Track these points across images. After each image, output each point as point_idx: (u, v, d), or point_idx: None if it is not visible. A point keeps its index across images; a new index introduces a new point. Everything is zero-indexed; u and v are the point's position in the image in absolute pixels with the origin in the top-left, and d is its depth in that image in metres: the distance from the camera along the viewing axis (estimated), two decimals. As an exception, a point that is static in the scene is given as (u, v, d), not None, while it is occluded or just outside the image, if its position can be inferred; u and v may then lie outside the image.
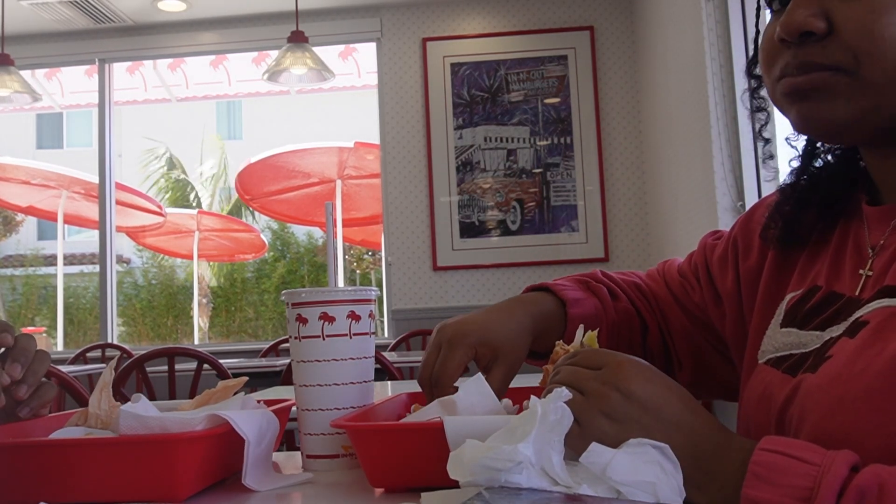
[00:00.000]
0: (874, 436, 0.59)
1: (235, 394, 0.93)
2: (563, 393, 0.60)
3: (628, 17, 4.91)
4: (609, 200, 4.83)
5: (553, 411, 0.57)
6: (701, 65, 3.49)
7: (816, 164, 0.84)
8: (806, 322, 0.75)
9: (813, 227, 0.82)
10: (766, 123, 0.89)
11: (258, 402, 0.93)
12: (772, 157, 0.88)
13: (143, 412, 0.79)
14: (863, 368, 0.62)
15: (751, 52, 0.86)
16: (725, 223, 3.38)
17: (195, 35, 5.18)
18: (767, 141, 0.89)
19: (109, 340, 5.08)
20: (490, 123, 4.88)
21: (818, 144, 0.84)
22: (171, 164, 14.89)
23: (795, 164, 0.85)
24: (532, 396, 0.67)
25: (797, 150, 0.85)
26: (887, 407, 0.59)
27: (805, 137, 0.84)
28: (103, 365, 4.41)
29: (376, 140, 5.18)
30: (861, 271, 0.72)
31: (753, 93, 0.87)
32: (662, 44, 4.25)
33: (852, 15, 0.66)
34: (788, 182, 0.85)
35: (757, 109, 0.88)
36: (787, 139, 0.86)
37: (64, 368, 2.80)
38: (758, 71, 0.84)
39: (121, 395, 2.71)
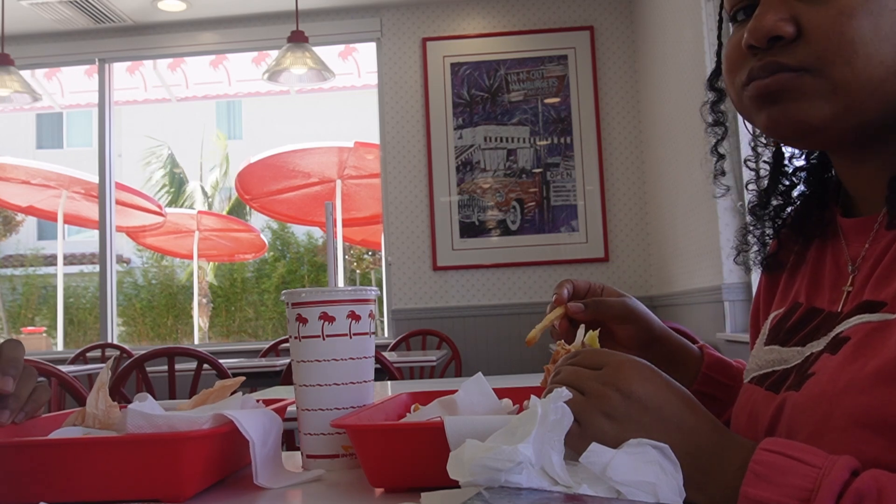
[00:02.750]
0: (863, 452, 0.58)
1: (233, 393, 0.93)
2: (564, 393, 0.60)
3: (628, 17, 4.91)
4: (609, 200, 4.83)
5: (553, 411, 0.57)
6: (701, 65, 3.49)
7: (784, 183, 0.84)
8: (788, 339, 0.75)
9: (790, 249, 0.82)
10: (723, 138, 0.88)
11: (257, 401, 0.93)
12: (724, 173, 0.87)
13: (150, 411, 0.79)
14: (846, 386, 0.61)
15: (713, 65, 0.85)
16: (725, 223, 3.38)
17: (195, 35, 5.18)
18: (721, 157, 0.88)
19: (109, 340, 5.08)
20: (490, 123, 4.87)
21: (785, 162, 0.84)
22: (173, 163, 14.89)
23: (758, 183, 0.85)
24: (532, 396, 0.67)
25: (756, 172, 0.85)
26: (873, 424, 0.59)
27: (771, 155, 0.84)
28: (103, 365, 4.40)
29: (376, 140, 5.18)
30: (843, 287, 0.72)
31: (713, 106, 0.87)
32: (662, 44, 4.25)
33: (821, 19, 0.65)
34: (756, 203, 0.85)
35: (715, 123, 0.88)
36: (745, 161, 0.86)
37: (64, 368, 2.80)
38: (720, 84, 0.83)
39: (121, 395, 2.70)
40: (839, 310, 0.70)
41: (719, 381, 0.94)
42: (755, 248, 0.84)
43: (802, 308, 0.76)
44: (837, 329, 0.67)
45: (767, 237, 0.84)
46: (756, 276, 3.34)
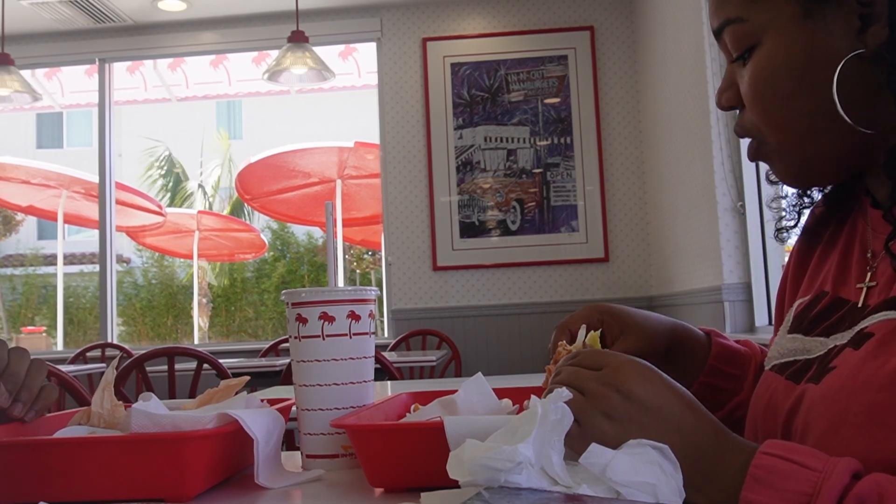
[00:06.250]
0: (877, 451, 0.58)
1: (237, 393, 0.93)
2: (564, 393, 0.60)
3: (628, 17, 4.91)
4: (609, 200, 4.83)
5: (553, 411, 0.57)
6: (701, 65, 3.49)
7: None
8: (811, 328, 0.74)
9: (826, 222, 0.81)
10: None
11: (262, 401, 0.94)
12: (785, 229, 0.87)
13: (154, 410, 0.80)
14: (865, 382, 0.61)
15: None
16: (725, 223, 3.38)
17: (195, 35, 5.18)
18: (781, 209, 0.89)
19: (109, 340, 5.08)
20: (490, 123, 4.87)
21: None
22: (173, 163, 14.90)
23: None
24: (532, 396, 0.67)
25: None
26: (890, 422, 0.58)
27: None
28: (103, 365, 4.41)
29: (376, 140, 5.18)
30: (866, 278, 0.71)
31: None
32: (662, 44, 4.25)
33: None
34: None
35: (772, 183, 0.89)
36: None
37: (64, 368, 2.80)
38: None
39: (121, 395, 2.71)
40: (863, 300, 0.70)
41: (726, 373, 0.93)
42: (795, 218, 0.84)
43: (828, 297, 0.75)
44: (862, 324, 0.67)
45: (807, 205, 0.84)
46: (757, 277, 3.34)
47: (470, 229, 4.82)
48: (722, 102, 0.77)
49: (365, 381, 0.89)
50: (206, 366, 2.91)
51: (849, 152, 0.72)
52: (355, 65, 11.08)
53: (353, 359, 0.87)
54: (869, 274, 0.71)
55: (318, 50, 3.87)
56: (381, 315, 5.84)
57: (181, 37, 5.18)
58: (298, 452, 0.91)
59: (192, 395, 2.93)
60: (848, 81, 0.67)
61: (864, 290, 0.70)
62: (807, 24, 0.68)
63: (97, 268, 5.70)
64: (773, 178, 0.84)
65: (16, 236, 15.34)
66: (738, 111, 0.77)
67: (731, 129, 3.35)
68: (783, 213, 0.85)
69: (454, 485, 0.57)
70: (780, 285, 0.89)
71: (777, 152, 0.74)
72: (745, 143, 0.88)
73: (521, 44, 4.91)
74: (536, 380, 0.89)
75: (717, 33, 0.76)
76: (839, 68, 0.67)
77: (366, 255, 13.76)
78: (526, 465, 0.54)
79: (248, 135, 16.76)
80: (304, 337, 0.86)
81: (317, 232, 13.34)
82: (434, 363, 3.51)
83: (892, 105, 0.65)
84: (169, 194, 14.64)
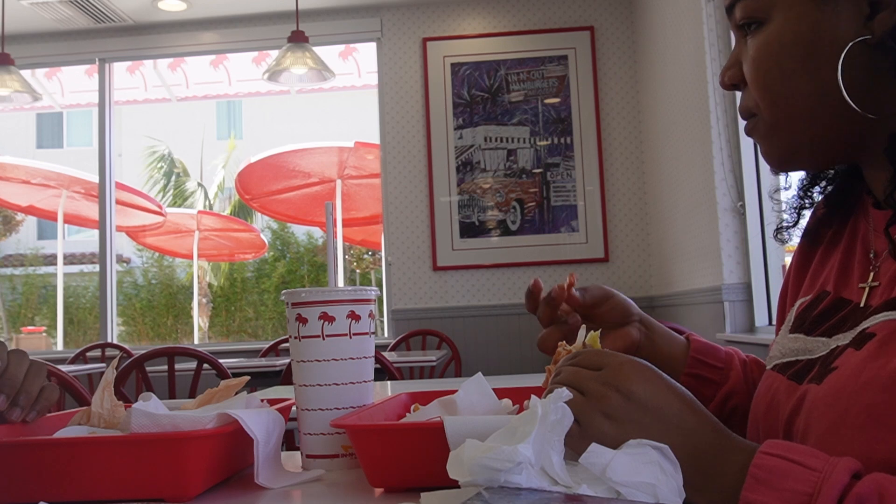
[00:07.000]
0: (877, 451, 0.58)
1: (237, 393, 0.94)
2: (564, 393, 0.60)
3: (628, 17, 4.91)
4: (609, 200, 4.83)
5: (553, 411, 0.57)
6: (701, 65, 3.49)
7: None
8: (813, 328, 0.74)
9: (828, 223, 0.81)
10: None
11: (262, 401, 0.94)
12: (787, 228, 0.87)
13: (154, 410, 0.80)
14: (866, 382, 0.61)
15: None
16: (725, 223, 3.38)
17: (195, 35, 5.18)
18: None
19: (109, 340, 5.08)
20: (490, 123, 4.87)
21: None
22: (173, 163, 14.90)
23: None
24: (532, 396, 0.67)
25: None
26: (890, 422, 0.59)
27: None
28: (103, 364, 4.41)
29: (376, 140, 5.18)
30: (868, 278, 0.71)
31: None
32: (662, 44, 4.25)
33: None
34: (801, 176, 0.86)
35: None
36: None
37: (64, 368, 2.80)
38: None
39: (121, 395, 2.71)
40: (865, 301, 0.70)
41: (709, 364, 0.95)
42: (795, 218, 0.84)
43: (830, 297, 0.75)
44: (864, 324, 0.67)
45: (808, 206, 0.84)
46: (757, 277, 3.34)
47: (470, 229, 4.82)
48: (724, 80, 0.78)
49: (365, 381, 0.89)
50: (206, 366, 2.91)
51: (840, 138, 0.72)
52: (355, 65, 11.08)
53: (353, 359, 0.87)
54: (871, 274, 0.71)
55: (318, 50, 3.87)
56: (381, 315, 5.84)
57: (181, 37, 5.18)
58: (298, 452, 0.91)
59: (192, 395, 2.93)
60: (851, 66, 0.68)
61: (867, 290, 0.71)
62: (817, 5, 0.69)
63: (97, 268, 5.70)
64: None
65: (16, 236, 15.35)
66: (740, 92, 0.78)
67: (731, 130, 3.35)
68: (784, 214, 0.85)
69: (454, 485, 0.57)
70: (782, 285, 0.89)
71: (769, 131, 0.75)
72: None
73: (521, 44, 4.91)
74: (536, 380, 0.89)
75: (729, 8, 0.76)
76: (843, 53, 0.67)
77: (366, 255, 13.76)
78: (526, 465, 0.54)
79: (248, 135, 16.77)
80: (304, 337, 0.86)
81: (317, 232, 13.34)
82: (434, 363, 3.51)
83: (895, 92, 0.65)
84: (169, 194, 14.65)
